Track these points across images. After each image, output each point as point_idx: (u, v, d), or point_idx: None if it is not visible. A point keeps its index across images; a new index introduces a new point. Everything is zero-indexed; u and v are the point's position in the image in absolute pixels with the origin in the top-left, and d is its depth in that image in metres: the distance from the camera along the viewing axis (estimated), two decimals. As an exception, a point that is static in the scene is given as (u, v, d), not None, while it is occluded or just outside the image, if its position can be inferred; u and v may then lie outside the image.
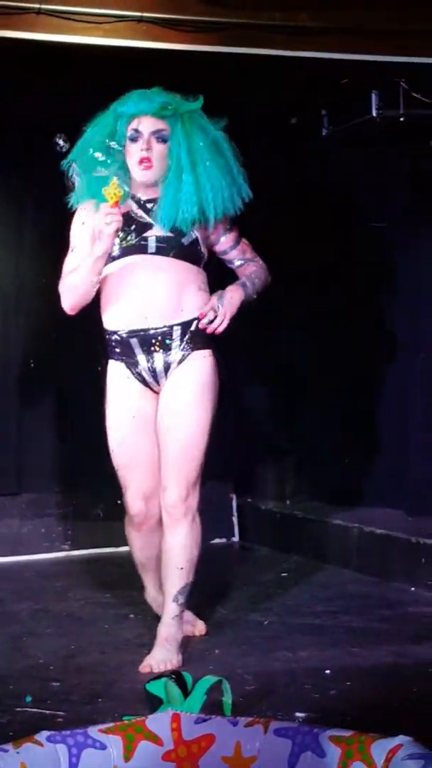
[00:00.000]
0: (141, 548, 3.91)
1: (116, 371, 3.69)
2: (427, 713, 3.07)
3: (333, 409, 5.71)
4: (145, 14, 4.73)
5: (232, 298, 3.60)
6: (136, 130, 3.51)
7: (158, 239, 3.55)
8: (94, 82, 4.91)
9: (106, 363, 3.75)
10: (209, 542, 4.11)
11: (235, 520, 6.11)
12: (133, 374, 3.67)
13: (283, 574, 5.16)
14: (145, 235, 3.56)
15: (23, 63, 4.90)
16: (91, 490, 5.76)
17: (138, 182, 3.54)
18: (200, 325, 3.58)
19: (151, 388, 3.70)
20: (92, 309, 3.72)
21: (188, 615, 3.87)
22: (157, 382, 3.66)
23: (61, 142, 3.87)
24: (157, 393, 3.70)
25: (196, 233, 3.58)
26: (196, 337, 3.62)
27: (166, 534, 3.68)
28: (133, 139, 3.51)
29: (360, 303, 5.61)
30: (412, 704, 3.20)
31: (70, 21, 4.63)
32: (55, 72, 5.03)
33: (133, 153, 3.52)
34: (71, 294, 3.62)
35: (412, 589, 4.71)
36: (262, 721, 2.42)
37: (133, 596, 4.54)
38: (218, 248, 3.74)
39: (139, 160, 3.49)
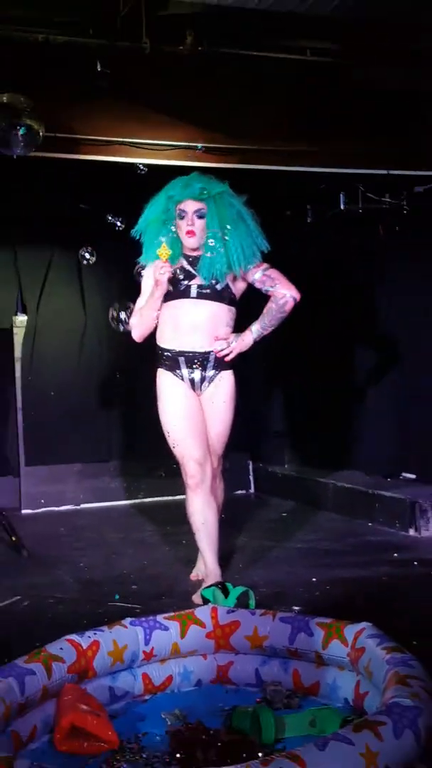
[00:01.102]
0: (201, 510, 3.42)
1: (166, 376, 3.49)
2: (381, 607, 3.06)
3: (316, 404, 5.69)
4: (190, 144, 4.76)
5: (244, 340, 3.41)
6: (183, 210, 3.35)
7: (199, 287, 3.39)
8: (157, 188, 4.93)
9: (156, 370, 3.55)
10: (233, 493, 4.12)
11: (251, 478, 6.10)
12: (178, 379, 3.47)
13: (283, 515, 5.14)
14: (189, 283, 3.39)
15: (111, 177, 4.92)
16: (156, 458, 5.76)
17: (186, 246, 3.39)
18: (214, 351, 3.41)
19: (193, 390, 3.51)
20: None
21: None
22: (193, 388, 3.47)
23: (118, 223, 3.89)
24: (197, 394, 3.51)
25: (227, 281, 3.40)
26: (223, 361, 3.45)
27: (215, 490, 3.51)
28: (182, 217, 3.36)
29: (338, 322, 5.54)
30: (370, 601, 3.19)
31: (141, 149, 4.66)
32: (131, 182, 5.04)
33: (182, 227, 3.36)
34: (138, 327, 3.52)
35: (369, 524, 4.67)
36: (271, 612, 2.42)
37: (185, 529, 4.54)
38: (249, 281, 3.45)
39: (186, 232, 3.35)
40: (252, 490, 6.06)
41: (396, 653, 1.98)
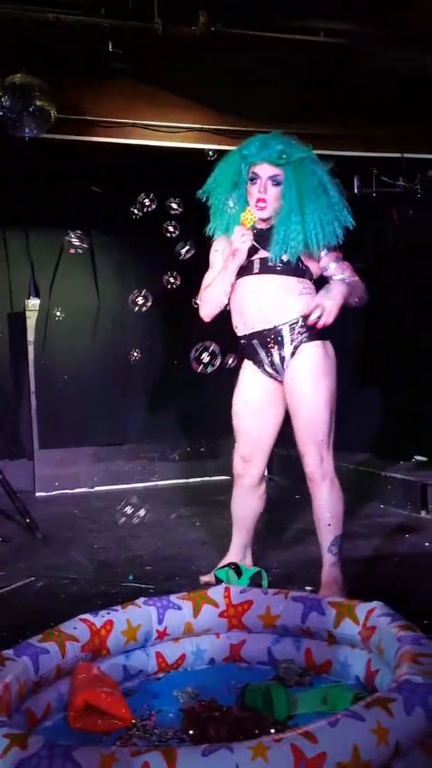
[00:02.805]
0: (236, 502, 3.23)
1: (248, 367, 3.10)
2: (392, 586, 3.07)
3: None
4: (204, 126, 4.72)
5: (336, 295, 2.87)
6: (257, 174, 2.91)
7: (261, 261, 2.95)
8: (170, 170, 4.91)
9: (242, 361, 3.14)
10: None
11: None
12: (260, 370, 3.07)
13: (296, 497, 5.14)
14: (252, 258, 2.97)
15: (123, 158, 4.91)
16: (170, 442, 5.80)
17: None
18: (309, 322, 2.88)
19: (277, 380, 3.06)
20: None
21: None
22: (278, 373, 3.03)
23: (174, 206, 3.16)
24: (281, 383, 3.05)
25: (300, 257, 2.95)
26: (303, 332, 2.94)
27: (313, 497, 3.05)
28: (253, 181, 2.91)
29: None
30: (381, 580, 3.20)
31: (154, 131, 4.63)
32: (144, 163, 5.03)
33: (253, 193, 2.92)
34: (206, 304, 3.07)
35: (381, 506, 4.67)
36: (284, 591, 2.43)
37: (198, 511, 4.56)
38: (321, 266, 3.00)
39: (256, 200, 2.90)
40: (266, 474, 6.04)
41: (407, 631, 1.98)
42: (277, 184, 2.90)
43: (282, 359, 3.00)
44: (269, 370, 3.06)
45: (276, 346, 2.99)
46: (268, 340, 2.99)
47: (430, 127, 4.96)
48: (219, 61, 4.23)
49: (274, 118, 4.71)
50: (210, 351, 2.80)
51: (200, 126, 4.68)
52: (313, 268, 3.02)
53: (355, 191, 5.15)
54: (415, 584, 3.17)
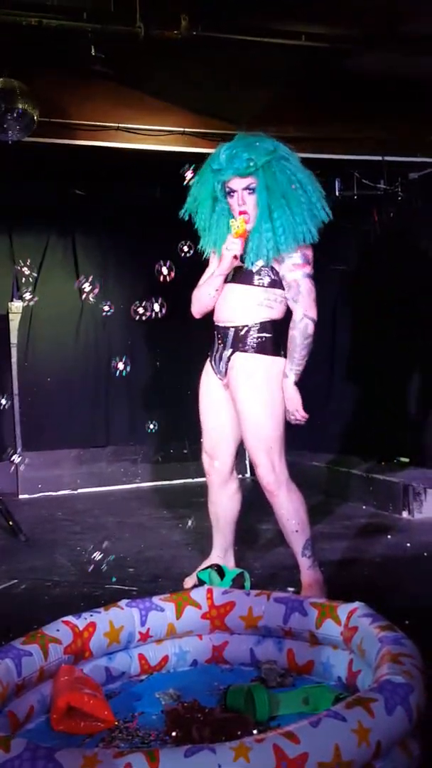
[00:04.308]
0: (210, 501, 3.21)
1: (207, 364, 3.13)
2: (374, 588, 3.08)
3: (311, 390, 5.68)
4: (186, 129, 4.72)
5: (288, 392, 2.94)
6: (230, 188, 2.89)
7: (236, 268, 2.96)
8: (151, 173, 4.92)
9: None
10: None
11: (247, 462, 6.09)
12: (211, 366, 3.09)
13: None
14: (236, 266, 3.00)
15: (105, 162, 4.90)
16: (154, 444, 5.79)
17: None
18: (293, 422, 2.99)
19: (221, 380, 3.06)
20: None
21: None
22: (219, 372, 3.05)
23: (186, 249, 3.07)
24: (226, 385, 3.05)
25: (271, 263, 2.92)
26: (246, 341, 2.95)
27: (273, 506, 3.03)
28: (231, 195, 2.90)
29: (332, 306, 5.54)
30: (363, 581, 3.21)
31: (136, 134, 4.63)
32: (127, 166, 5.02)
33: (234, 207, 2.90)
34: (195, 303, 3.08)
35: (364, 507, 4.69)
36: (266, 592, 2.43)
37: (181, 512, 4.56)
38: (281, 273, 2.95)
39: (239, 213, 2.88)
40: (248, 475, 6.06)
41: (388, 632, 1.99)
42: (253, 191, 2.89)
43: (221, 359, 3.02)
44: (214, 365, 3.06)
45: (222, 345, 3.02)
46: (219, 336, 3.04)
47: (411, 130, 4.99)
48: (201, 65, 4.23)
49: (255, 120, 4.72)
50: (143, 305, 3.02)
51: (182, 129, 4.69)
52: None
53: (337, 194, 5.17)
54: (397, 585, 3.19)
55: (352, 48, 4.25)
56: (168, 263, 3.06)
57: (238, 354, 2.98)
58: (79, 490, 5.56)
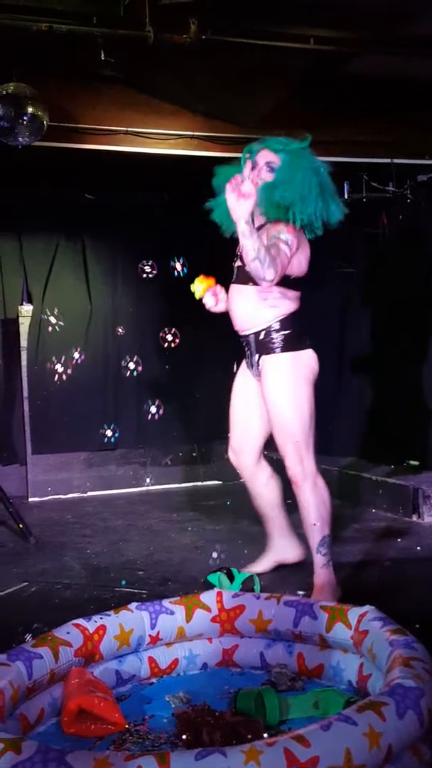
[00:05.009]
0: (251, 495, 3.40)
1: (243, 363, 3.25)
2: (385, 591, 3.07)
3: (320, 393, 5.69)
4: (195, 133, 4.73)
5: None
6: (255, 161, 2.99)
7: (238, 269, 3.06)
8: (160, 177, 4.93)
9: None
10: (239, 480, 4.11)
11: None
12: (248, 367, 3.21)
13: (288, 501, 5.13)
14: (234, 264, 3.14)
15: (114, 165, 4.91)
16: (162, 447, 5.79)
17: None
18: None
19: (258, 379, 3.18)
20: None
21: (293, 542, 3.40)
22: (256, 375, 3.17)
23: (178, 267, 3.29)
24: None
25: None
26: (269, 343, 3.05)
27: (297, 498, 3.11)
28: (253, 169, 2.97)
29: (340, 308, 5.56)
30: (373, 585, 3.20)
31: (145, 138, 4.64)
32: (136, 170, 5.04)
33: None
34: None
35: (373, 510, 4.68)
36: (276, 596, 2.43)
37: (190, 515, 4.56)
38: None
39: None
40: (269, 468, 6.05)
41: (399, 636, 1.98)
42: (272, 170, 2.97)
43: (252, 364, 3.18)
44: (250, 368, 3.20)
45: (249, 351, 3.16)
46: (245, 344, 3.17)
47: (420, 133, 4.99)
48: (209, 69, 4.24)
49: (264, 124, 4.73)
50: (150, 264, 3.26)
51: (191, 133, 4.70)
52: (291, 268, 3.00)
53: (345, 196, 5.17)
54: (407, 588, 3.18)
55: (360, 51, 4.25)
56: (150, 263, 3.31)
57: (264, 357, 3.10)
58: (89, 493, 5.56)
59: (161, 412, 3.45)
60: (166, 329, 3.52)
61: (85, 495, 5.55)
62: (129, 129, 4.55)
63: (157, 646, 2.36)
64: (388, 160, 5.03)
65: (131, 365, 3.49)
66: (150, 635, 2.32)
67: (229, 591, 2.53)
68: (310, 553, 3.33)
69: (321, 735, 1.55)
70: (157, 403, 3.49)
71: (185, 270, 3.24)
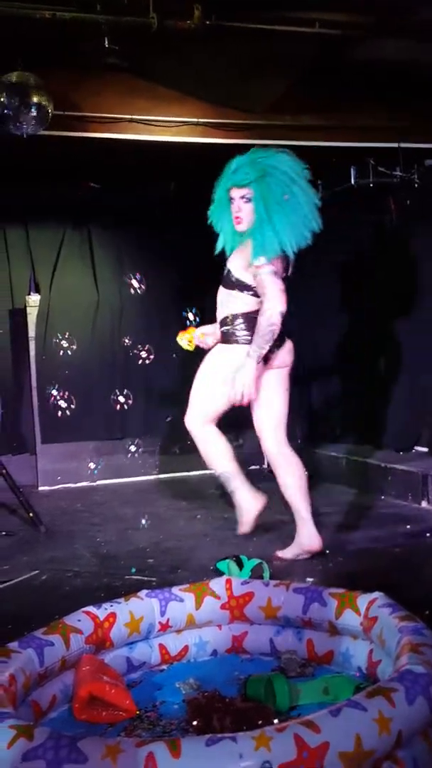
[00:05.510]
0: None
1: None
2: (394, 578, 3.07)
3: (328, 381, 5.69)
4: (201, 120, 4.70)
5: (245, 370, 3.20)
6: (231, 196, 3.34)
7: (224, 274, 3.40)
8: (166, 166, 4.90)
9: None
10: (248, 468, 4.12)
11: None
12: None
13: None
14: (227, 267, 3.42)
15: (120, 154, 4.89)
16: (170, 436, 5.79)
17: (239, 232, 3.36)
18: (235, 403, 3.30)
19: None
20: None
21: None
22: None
23: (190, 317, 3.75)
24: None
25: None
26: (226, 334, 3.39)
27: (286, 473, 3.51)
28: (231, 202, 3.34)
29: (350, 296, 5.54)
30: (382, 571, 3.20)
31: (150, 126, 4.62)
32: (142, 159, 5.01)
33: (233, 212, 3.34)
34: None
35: (382, 497, 4.68)
36: (285, 583, 2.43)
37: (199, 504, 4.57)
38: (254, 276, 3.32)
39: (234, 218, 3.34)
40: (266, 466, 6.06)
41: (408, 622, 1.98)
42: (249, 200, 3.28)
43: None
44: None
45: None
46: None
47: (426, 117, 4.94)
48: (214, 55, 4.21)
49: (270, 110, 4.71)
50: (138, 278, 3.79)
51: (196, 119, 4.66)
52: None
53: (352, 182, 5.14)
54: (416, 574, 3.18)
55: (366, 35, 4.21)
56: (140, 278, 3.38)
57: (218, 345, 3.44)
58: (98, 482, 5.58)
59: (152, 356, 3.65)
60: (140, 346, 3.77)
61: (94, 484, 5.57)
62: (134, 116, 4.52)
63: (167, 633, 2.37)
64: (395, 145, 4.98)
65: (143, 353, 3.67)
66: (160, 622, 2.33)
67: (239, 578, 2.54)
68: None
69: (331, 721, 1.55)
70: (147, 348, 3.93)
71: (197, 320, 3.61)
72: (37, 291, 5.62)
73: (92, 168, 5.25)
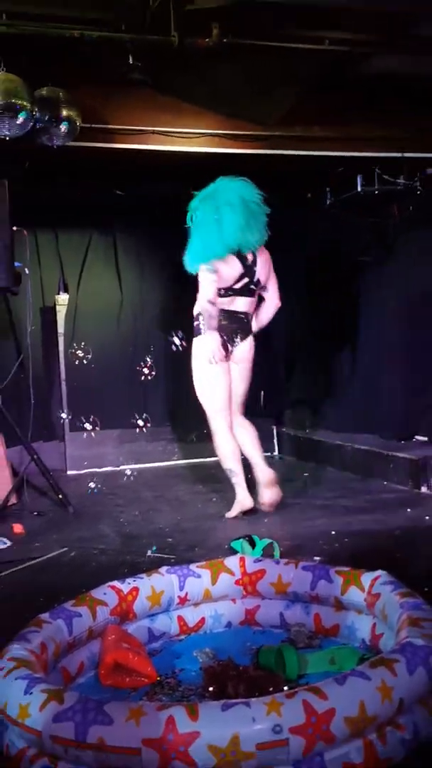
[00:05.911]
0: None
1: None
2: (396, 557, 3.06)
3: (335, 373, 5.68)
4: (218, 131, 4.69)
5: (208, 343, 3.81)
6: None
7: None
8: (186, 172, 4.88)
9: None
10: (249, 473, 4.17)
11: (275, 441, 6.11)
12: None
13: (305, 474, 5.15)
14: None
15: (143, 163, 4.90)
16: (188, 425, 5.79)
17: None
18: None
19: None
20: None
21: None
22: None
23: (177, 340, 4.38)
24: None
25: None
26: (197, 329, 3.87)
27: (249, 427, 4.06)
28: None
29: (355, 295, 5.54)
30: (385, 551, 3.19)
31: (171, 137, 4.62)
32: (164, 168, 5.01)
33: None
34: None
35: (384, 483, 4.66)
36: (294, 561, 2.43)
37: (214, 488, 4.57)
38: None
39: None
40: (276, 453, 6.07)
41: (409, 598, 1.98)
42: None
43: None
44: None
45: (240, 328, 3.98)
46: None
47: (429, 128, 4.91)
48: (230, 70, 4.20)
49: (281, 122, 4.69)
50: (180, 336, 4.15)
51: (214, 131, 4.65)
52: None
53: (359, 189, 5.11)
54: (416, 554, 3.17)
55: (372, 52, 4.18)
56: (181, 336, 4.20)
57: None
58: (122, 467, 5.60)
59: (184, 344, 4.07)
60: (142, 362, 4.35)
61: (118, 469, 5.59)
62: (156, 129, 4.52)
63: (185, 606, 2.38)
64: (399, 154, 4.95)
65: (176, 340, 4.19)
66: (179, 596, 2.34)
67: (251, 557, 2.54)
68: (325, 524, 3.33)
69: (337, 688, 1.55)
70: (180, 336, 4.26)
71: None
72: (66, 291, 5.64)
73: (117, 176, 5.25)
